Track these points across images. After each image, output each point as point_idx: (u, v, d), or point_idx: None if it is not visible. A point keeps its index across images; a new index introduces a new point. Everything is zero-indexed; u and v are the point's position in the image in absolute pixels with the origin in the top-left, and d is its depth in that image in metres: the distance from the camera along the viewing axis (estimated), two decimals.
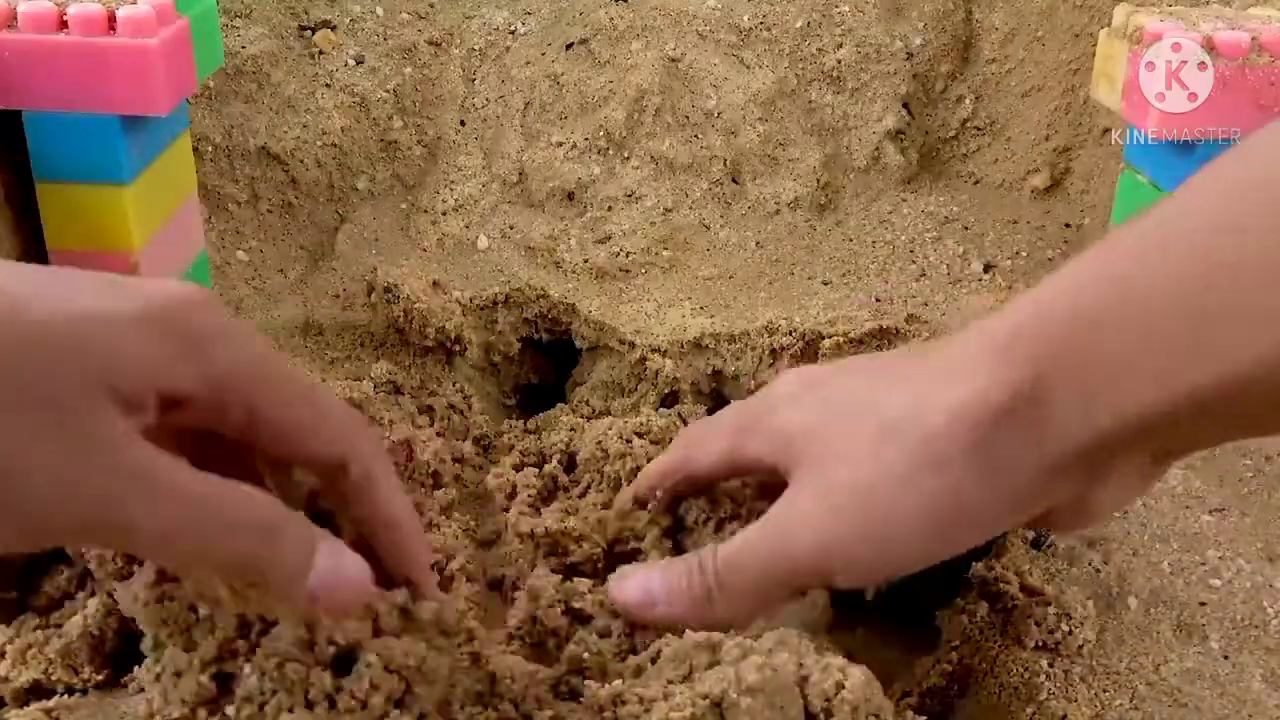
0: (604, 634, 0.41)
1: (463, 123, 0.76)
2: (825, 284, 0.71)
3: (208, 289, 0.33)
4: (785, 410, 0.40)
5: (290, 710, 0.32)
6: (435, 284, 0.67)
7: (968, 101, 0.79)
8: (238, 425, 0.31)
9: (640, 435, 0.53)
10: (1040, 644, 0.43)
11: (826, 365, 0.43)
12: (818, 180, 0.75)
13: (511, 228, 0.73)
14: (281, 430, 0.32)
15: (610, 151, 0.74)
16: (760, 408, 0.42)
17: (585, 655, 0.38)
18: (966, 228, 0.75)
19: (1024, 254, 0.74)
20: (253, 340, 0.32)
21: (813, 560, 0.37)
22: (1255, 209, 0.32)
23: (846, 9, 0.76)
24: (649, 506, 0.45)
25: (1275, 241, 0.32)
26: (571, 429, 0.59)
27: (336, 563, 0.32)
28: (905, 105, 0.77)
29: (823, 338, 0.62)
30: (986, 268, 0.72)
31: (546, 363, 0.72)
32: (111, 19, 0.54)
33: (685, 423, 0.59)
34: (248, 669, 0.33)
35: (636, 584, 0.41)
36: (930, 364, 0.38)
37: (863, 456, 0.37)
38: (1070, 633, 0.43)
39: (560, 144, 0.74)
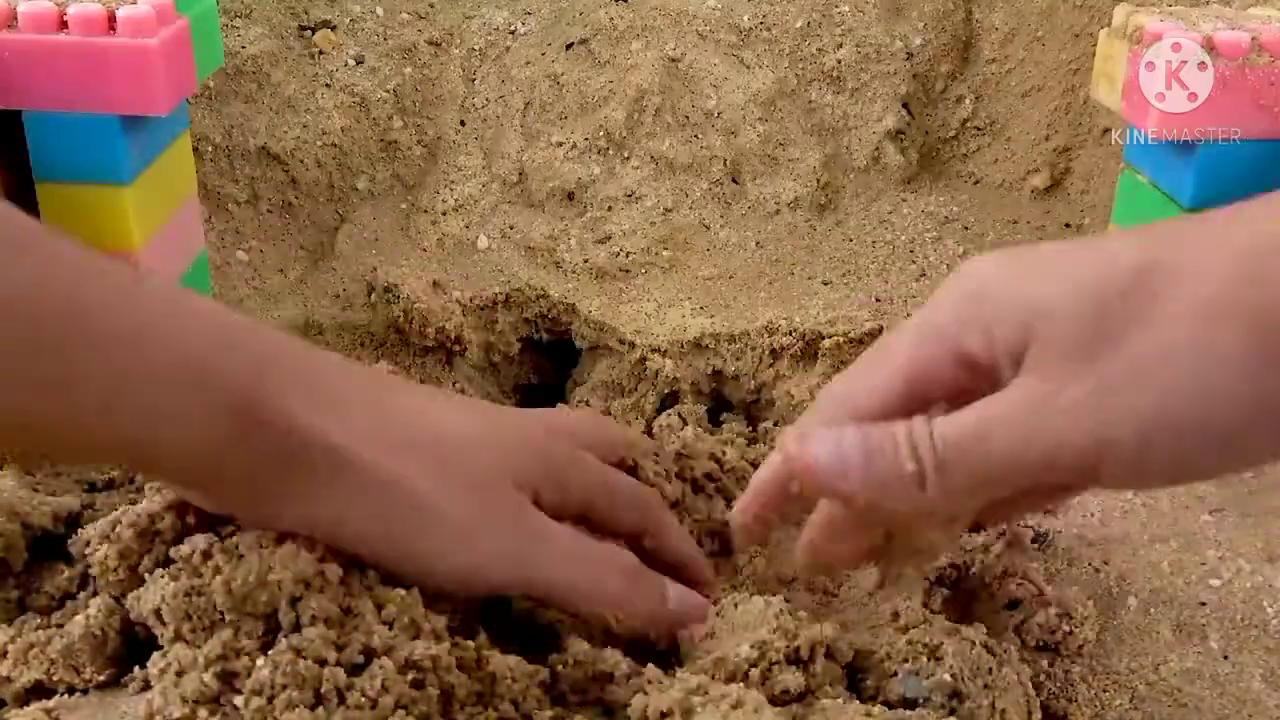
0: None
1: (463, 123, 0.76)
2: (825, 284, 0.71)
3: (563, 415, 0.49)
4: (1026, 284, 0.32)
5: (299, 706, 0.32)
6: (435, 284, 0.67)
7: (968, 101, 0.79)
8: (575, 511, 0.41)
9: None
10: (1040, 644, 0.43)
11: (1030, 248, 0.34)
12: (818, 180, 0.75)
13: (511, 228, 0.73)
14: (604, 516, 0.42)
15: (610, 151, 0.74)
16: (965, 296, 0.33)
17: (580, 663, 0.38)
18: (966, 228, 0.75)
19: None
20: (592, 464, 0.43)
21: (1077, 453, 0.30)
22: None
23: (846, 9, 0.76)
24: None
25: None
26: None
27: (684, 596, 0.41)
28: (905, 105, 0.77)
29: (823, 338, 0.63)
30: None
31: (546, 363, 0.72)
32: (111, 19, 0.54)
33: (684, 422, 0.59)
34: (260, 662, 0.33)
35: (826, 442, 0.33)
36: (1252, 227, 0.30)
37: (1164, 332, 0.29)
38: (1070, 633, 0.43)
39: (560, 144, 0.74)
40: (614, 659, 0.38)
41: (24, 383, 0.32)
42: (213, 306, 0.37)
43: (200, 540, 0.37)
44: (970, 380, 0.32)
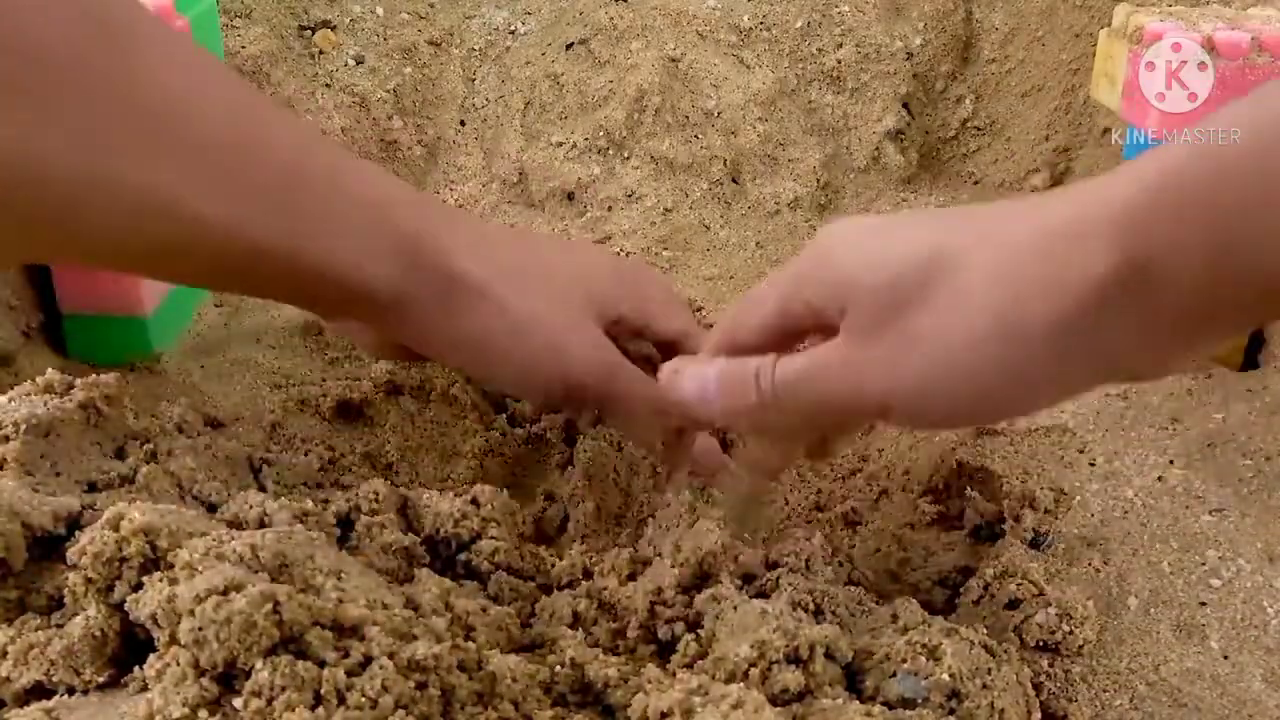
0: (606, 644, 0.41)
1: (463, 123, 0.76)
2: None
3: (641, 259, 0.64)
4: (846, 255, 0.39)
5: (298, 707, 0.32)
6: None
7: (968, 101, 0.79)
8: (635, 329, 0.53)
9: None
10: (1040, 644, 0.43)
11: (883, 216, 0.42)
12: (818, 180, 0.75)
13: (511, 227, 0.73)
14: (658, 326, 0.53)
15: (610, 151, 0.74)
16: (813, 258, 0.41)
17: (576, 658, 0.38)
18: None
19: None
20: (660, 285, 0.56)
21: (875, 402, 0.38)
22: None
23: (846, 9, 0.76)
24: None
25: None
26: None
27: (701, 382, 0.44)
28: (905, 105, 0.77)
29: None
30: None
31: None
32: None
33: None
34: (259, 664, 0.33)
35: (692, 378, 0.44)
36: (1030, 223, 0.36)
37: (946, 322, 0.36)
38: (1070, 633, 0.43)
39: (560, 144, 0.74)
40: (613, 661, 0.38)
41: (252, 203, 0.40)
42: (371, 167, 0.47)
43: (200, 544, 0.37)
44: (822, 322, 0.40)
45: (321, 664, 0.33)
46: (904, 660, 0.38)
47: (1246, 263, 0.33)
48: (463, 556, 0.44)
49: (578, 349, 0.49)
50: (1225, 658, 0.43)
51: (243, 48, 0.70)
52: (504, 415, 0.60)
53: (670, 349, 0.53)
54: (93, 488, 0.45)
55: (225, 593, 0.34)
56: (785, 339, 0.43)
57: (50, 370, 0.47)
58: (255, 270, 0.42)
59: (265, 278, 0.43)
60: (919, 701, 0.37)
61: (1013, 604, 0.44)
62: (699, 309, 0.65)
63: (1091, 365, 0.35)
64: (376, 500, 0.44)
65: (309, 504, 0.44)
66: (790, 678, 0.36)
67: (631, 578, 0.43)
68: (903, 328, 0.37)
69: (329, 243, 0.42)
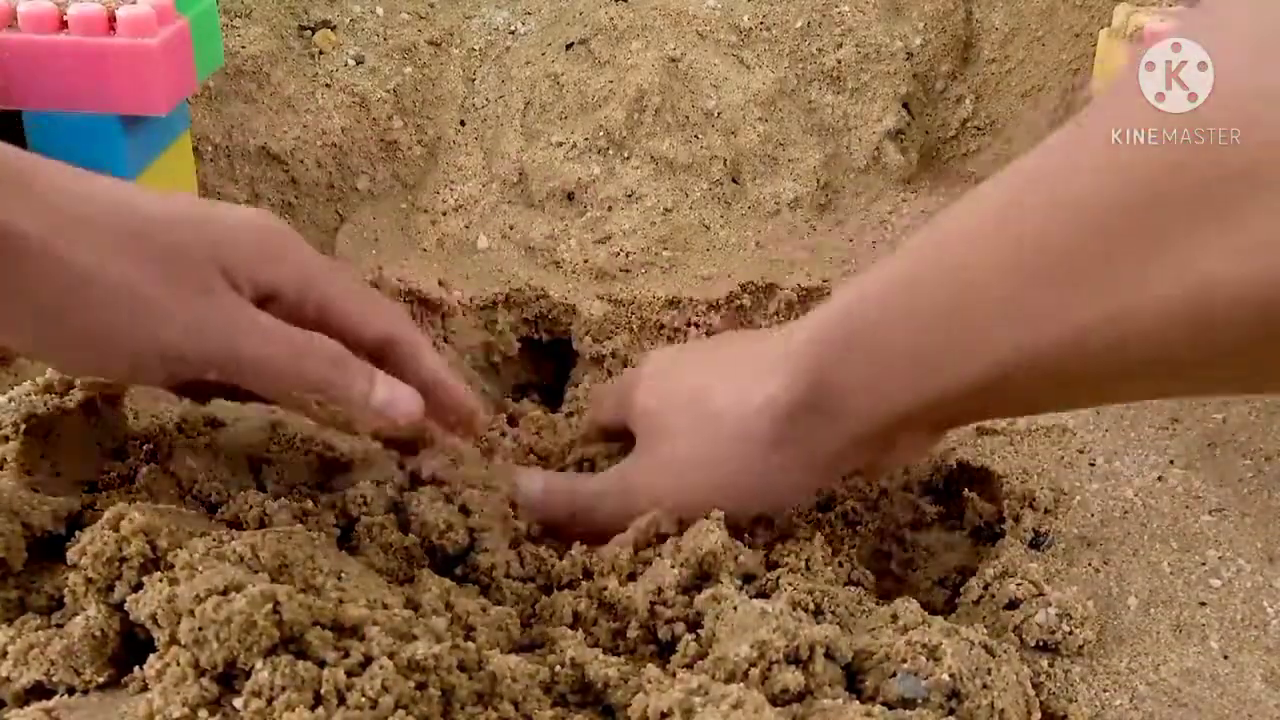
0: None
1: (463, 123, 0.76)
2: (825, 283, 0.71)
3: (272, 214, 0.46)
4: (640, 392, 0.48)
5: (298, 707, 0.32)
6: (441, 283, 0.67)
7: (968, 101, 0.79)
8: (311, 318, 0.41)
9: None
10: (1040, 644, 0.43)
11: (681, 349, 0.55)
12: (818, 180, 0.75)
13: (511, 228, 0.73)
14: (347, 319, 0.42)
15: (610, 151, 0.74)
16: (627, 385, 0.50)
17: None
18: None
19: None
20: (316, 252, 0.43)
21: (642, 511, 0.45)
22: (989, 220, 0.38)
23: (846, 9, 0.76)
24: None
25: (1003, 246, 0.37)
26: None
27: (394, 387, 0.42)
28: (905, 105, 0.77)
29: None
30: None
31: (547, 363, 0.72)
32: (111, 19, 0.54)
33: None
34: (259, 664, 0.33)
35: (531, 485, 0.49)
36: (754, 358, 0.45)
37: (690, 438, 0.45)
38: (1070, 633, 0.43)
39: (560, 144, 0.74)
40: (613, 661, 0.38)
41: None
42: None
43: (200, 544, 0.37)
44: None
45: (321, 664, 0.33)
46: (904, 660, 0.38)
47: (899, 385, 0.40)
48: (458, 570, 0.44)
49: (181, 311, 0.37)
50: (1225, 658, 0.43)
51: (243, 48, 0.70)
52: (504, 416, 0.60)
53: (379, 360, 0.44)
54: (93, 488, 0.45)
55: (225, 593, 0.34)
56: (614, 436, 0.51)
57: (50, 370, 0.47)
58: None
59: None
60: (919, 701, 0.37)
61: (1013, 604, 0.44)
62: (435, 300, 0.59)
63: (808, 470, 0.44)
64: (364, 504, 0.44)
65: (309, 504, 0.44)
66: (790, 678, 0.36)
67: (632, 578, 0.43)
68: (664, 451, 0.46)
69: None
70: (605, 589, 0.42)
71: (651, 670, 0.37)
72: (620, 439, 0.51)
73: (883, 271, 0.41)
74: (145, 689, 0.35)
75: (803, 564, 0.45)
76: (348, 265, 0.47)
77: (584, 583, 0.43)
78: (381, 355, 0.44)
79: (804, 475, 0.45)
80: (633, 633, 0.41)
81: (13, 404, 0.46)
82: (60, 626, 0.38)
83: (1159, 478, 0.52)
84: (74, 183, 0.38)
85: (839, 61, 0.76)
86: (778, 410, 0.43)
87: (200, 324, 0.38)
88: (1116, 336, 0.34)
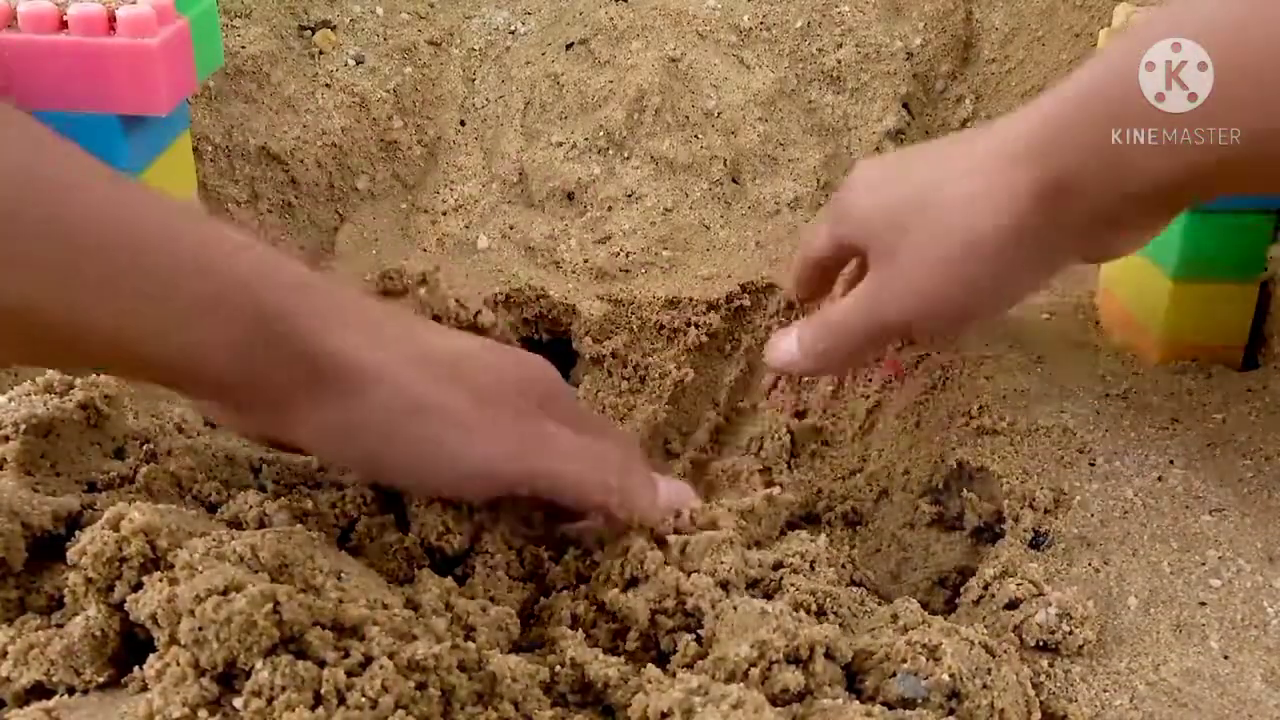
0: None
1: (463, 123, 0.76)
2: None
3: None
4: (866, 200, 0.50)
5: (298, 707, 0.32)
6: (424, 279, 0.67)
7: (968, 101, 0.79)
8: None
9: None
10: (1040, 644, 0.43)
11: (898, 154, 0.56)
12: (818, 180, 0.75)
13: (511, 228, 0.73)
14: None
15: (610, 151, 0.74)
16: (848, 198, 0.51)
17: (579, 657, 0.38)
18: None
19: None
20: (572, 398, 0.51)
21: (897, 321, 0.49)
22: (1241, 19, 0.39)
23: (846, 9, 0.76)
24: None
25: (1253, 39, 0.38)
26: None
27: (671, 484, 0.47)
28: (905, 105, 0.77)
29: None
30: None
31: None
32: (111, 19, 0.54)
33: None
34: (259, 664, 0.33)
35: (785, 348, 0.54)
36: (978, 154, 0.46)
37: (927, 240, 0.47)
38: (1070, 633, 0.43)
39: (560, 144, 0.74)
40: (613, 661, 0.38)
41: (67, 283, 0.35)
42: (249, 241, 0.40)
43: (200, 544, 0.37)
44: (856, 250, 0.52)
45: (321, 664, 0.33)
46: (904, 660, 0.38)
47: (1133, 165, 0.41)
48: (458, 570, 0.44)
49: (505, 434, 0.41)
50: (1225, 657, 0.43)
51: (243, 48, 0.70)
52: None
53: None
54: (93, 488, 0.45)
55: (225, 593, 0.34)
56: (844, 259, 0.55)
57: (50, 370, 0.47)
58: (88, 352, 0.38)
59: (101, 360, 0.40)
60: (919, 701, 0.37)
61: (1013, 604, 0.44)
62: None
63: (1047, 259, 0.47)
64: (365, 504, 0.44)
65: (309, 504, 0.44)
66: (790, 678, 0.36)
67: (632, 583, 0.43)
68: (904, 255, 0.48)
69: (145, 319, 0.36)
70: (603, 597, 0.42)
71: (651, 670, 0.37)
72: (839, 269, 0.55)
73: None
74: (145, 689, 0.35)
75: (807, 565, 0.45)
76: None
77: (581, 587, 0.43)
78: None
79: (1043, 264, 0.47)
80: (632, 639, 0.41)
81: (13, 404, 0.46)
82: (60, 626, 0.38)
83: (1159, 478, 0.52)
84: (404, 321, 0.43)
85: (839, 61, 0.76)
86: (1019, 200, 0.44)
87: (519, 448, 0.42)
88: None
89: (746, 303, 0.68)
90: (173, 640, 0.34)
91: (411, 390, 0.40)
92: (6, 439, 0.44)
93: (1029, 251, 0.46)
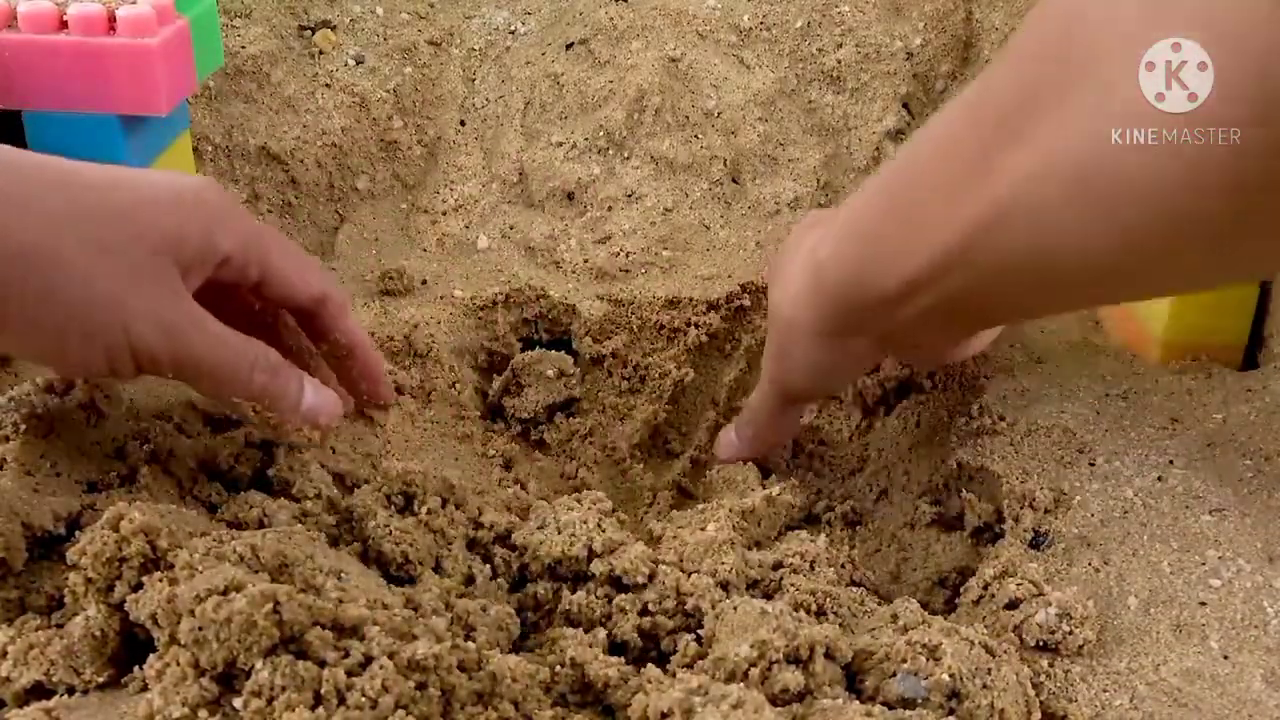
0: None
1: (463, 123, 0.76)
2: None
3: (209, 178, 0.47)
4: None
5: (298, 707, 0.32)
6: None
7: None
8: (254, 278, 0.44)
9: None
10: (1040, 644, 0.43)
11: (792, 232, 0.57)
12: (818, 180, 0.75)
13: (511, 228, 0.73)
14: (286, 278, 0.45)
15: (610, 151, 0.74)
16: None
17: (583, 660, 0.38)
18: None
19: None
20: (252, 216, 0.46)
21: (789, 390, 0.54)
22: (931, 135, 0.42)
23: (846, 9, 0.76)
24: None
25: (933, 158, 0.41)
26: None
27: (319, 392, 0.46)
28: (905, 105, 0.77)
29: None
30: None
31: None
32: (111, 19, 0.54)
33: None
34: (259, 664, 0.33)
35: (726, 443, 0.60)
36: (803, 253, 0.50)
37: (771, 328, 0.53)
38: (1070, 633, 0.43)
39: (560, 144, 0.74)
40: (613, 661, 0.38)
41: None
42: None
43: (200, 544, 0.37)
44: None
45: (321, 664, 0.33)
46: (904, 660, 0.38)
47: (879, 269, 0.45)
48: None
49: (151, 311, 0.38)
50: (1225, 658, 0.43)
51: (243, 48, 0.70)
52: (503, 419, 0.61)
53: (309, 317, 0.48)
54: (93, 488, 0.45)
55: (225, 593, 0.34)
56: None
57: (50, 371, 0.47)
58: None
59: None
60: (919, 701, 0.37)
61: (1013, 604, 0.44)
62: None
63: (853, 356, 0.51)
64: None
65: (308, 504, 0.44)
66: (790, 678, 0.36)
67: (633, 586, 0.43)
68: (768, 337, 0.54)
69: None
70: (604, 591, 0.42)
71: (651, 670, 0.37)
72: None
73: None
74: (145, 689, 0.35)
75: (807, 565, 0.45)
76: (275, 230, 0.51)
77: (582, 585, 0.43)
78: (314, 313, 0.48)
79: (851, 360, 0.52)
80: (633, 643, 0.41)
81: (13, 404, 0.46)
82: (60, 626, 0.38)
83: (1159, 478, 0.52)
84: (26, 163, 0.39)
85: (839, 61, 0.76)
86: (808, 313, 0.49)
87: (169, 326, 0.39)
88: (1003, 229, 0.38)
89: (746, 303, 0.68)
90: (173, 640, 0.35)
91: (37, 254, 0.35)
92: (6, 439, 0.44)
93: (832, 353, 0.51)
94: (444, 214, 0.74)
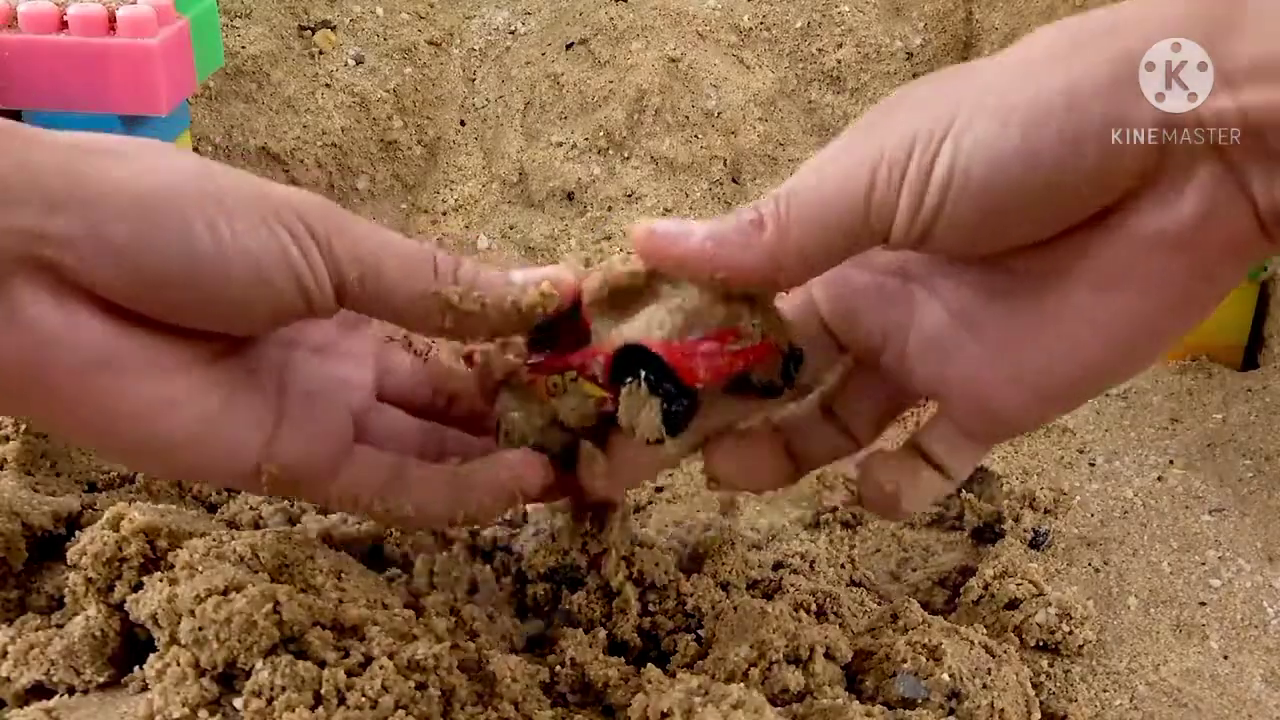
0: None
1: (463, 123, 0.76)
2: None
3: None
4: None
5: (298, 707, 0.32)
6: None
7: None
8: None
9: None
10: (1040, 644, 0.43)
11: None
12: None
13: (511, 228, 0.73)
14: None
15: (610, 151, 0.74)
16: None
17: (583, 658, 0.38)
18: None
19: None
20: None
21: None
22: None
23: (846, 9, 0.76)
24: None
25: None
26: None
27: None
28: None
29: None
30: None
31: None
32: (111, 19, 0.54)
33: None
34: (259, 664, 0.33)
35: (672, 221, 0.33)
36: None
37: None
38: (1070, 633, 0.43)
39: (560, 144, 0.74)
40: (613, 661, 0.38)
41: None
42: None
43: (200, 544, 0.37)
44: None
45: (321, 664, 0.33)
46: (904, 660, 0.38)
47: None
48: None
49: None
50: (1225, 658, 0.43)
51: (243, 48, 0.70)
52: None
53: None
54: (93, 488, 0.45)
55: (225, 593, 0.34)
56: None
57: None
58: None
59: None
60: (919, 701, 0.37)
61: (1013, 604, 0.44)
62: None
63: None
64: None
65: (308, 504, 0.44)
66: (790, 678, 0.36)
67: (631, 579, 0.43)
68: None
69: None
70: (603, 589, 0.42)
71: (651, 670, 0.37)
72: None
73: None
74: (145, 689, 0.35)
75: (807, 565, 0.45)
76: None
77: (582, 585, 0.43)
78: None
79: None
80: (632, 640, 0.41)
81: None
82: (60, 626, 0.38)
83: (1159, 478, 0.52)
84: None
85: (839, 61, 0.76)
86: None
87: (338, 226, 0.33)
88: None
89: None
90: (173, 640, 0.34)
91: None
92: (6, 439, 0.44)
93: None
94: (444, 214, 0.74)
